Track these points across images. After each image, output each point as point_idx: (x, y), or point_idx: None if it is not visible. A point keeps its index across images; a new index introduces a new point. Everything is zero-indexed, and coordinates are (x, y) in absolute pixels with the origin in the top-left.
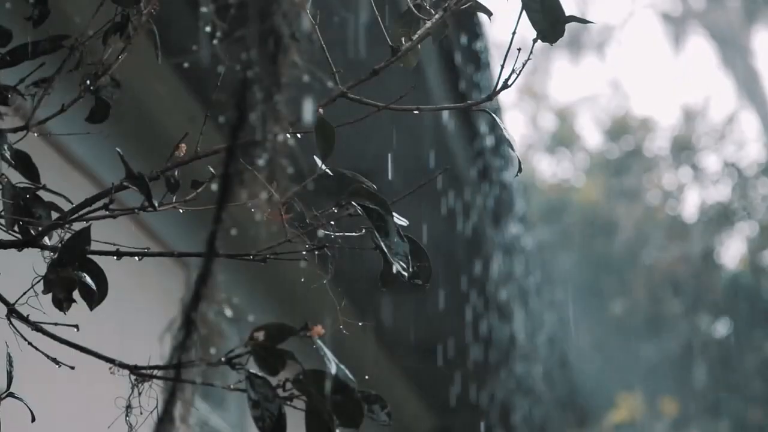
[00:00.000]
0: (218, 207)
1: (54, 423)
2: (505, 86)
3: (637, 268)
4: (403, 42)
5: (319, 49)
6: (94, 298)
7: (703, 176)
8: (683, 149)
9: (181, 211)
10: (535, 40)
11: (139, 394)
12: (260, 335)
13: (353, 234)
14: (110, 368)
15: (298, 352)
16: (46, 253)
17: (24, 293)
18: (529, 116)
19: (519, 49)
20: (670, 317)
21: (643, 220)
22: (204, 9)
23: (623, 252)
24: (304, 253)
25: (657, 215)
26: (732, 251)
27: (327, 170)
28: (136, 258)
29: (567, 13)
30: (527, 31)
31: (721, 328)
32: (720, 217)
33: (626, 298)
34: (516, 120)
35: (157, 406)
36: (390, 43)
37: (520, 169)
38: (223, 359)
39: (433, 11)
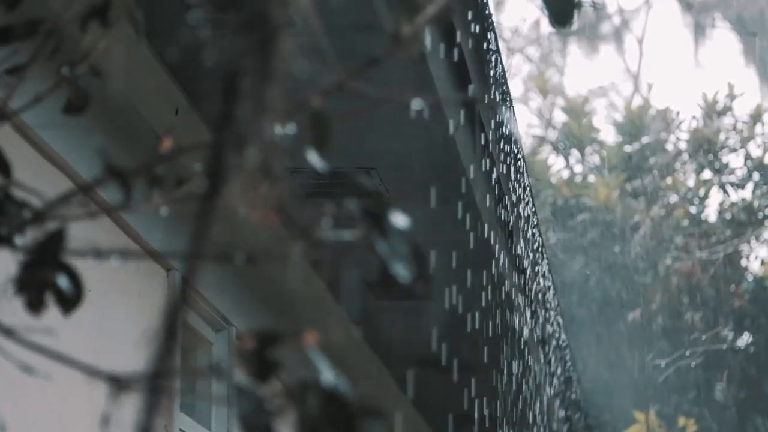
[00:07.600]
0: (204, 205)
1: None
2: (514, 76)
3: (654, 273)
4: (404, 28)
5: (316, 36)
6: (69, 303)
7: (725, 174)
8: (704, 146)
9: (163, 210)
10: (548, 28)
11: (118, 405)
12: (248, 342)
13: (350, 235)
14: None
15: (290, 361)
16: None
17: None
18: (539, 109)
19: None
20: (689, 327)
21: (661, 221)
22: None
23: (639, 256)
24: (296, 256)
25: (676, 216)
26: (756, 255)
27: (322, 167)
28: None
29: None
30: (540, 18)
31: (745, 339)
32: (743, 219)
33: (642, 307)
34: (526, 113)
35: (137, 419)
36: (390, 30)
37: (525, 167)
38: (208, 368)
39: None
